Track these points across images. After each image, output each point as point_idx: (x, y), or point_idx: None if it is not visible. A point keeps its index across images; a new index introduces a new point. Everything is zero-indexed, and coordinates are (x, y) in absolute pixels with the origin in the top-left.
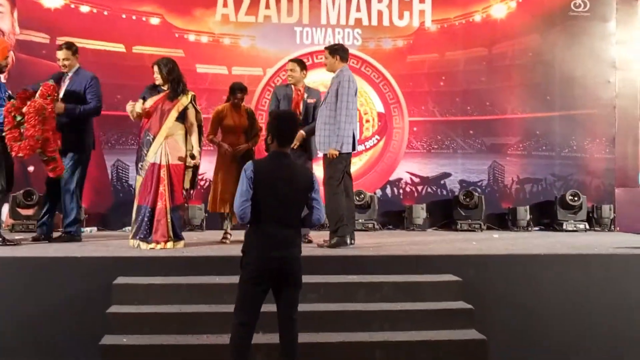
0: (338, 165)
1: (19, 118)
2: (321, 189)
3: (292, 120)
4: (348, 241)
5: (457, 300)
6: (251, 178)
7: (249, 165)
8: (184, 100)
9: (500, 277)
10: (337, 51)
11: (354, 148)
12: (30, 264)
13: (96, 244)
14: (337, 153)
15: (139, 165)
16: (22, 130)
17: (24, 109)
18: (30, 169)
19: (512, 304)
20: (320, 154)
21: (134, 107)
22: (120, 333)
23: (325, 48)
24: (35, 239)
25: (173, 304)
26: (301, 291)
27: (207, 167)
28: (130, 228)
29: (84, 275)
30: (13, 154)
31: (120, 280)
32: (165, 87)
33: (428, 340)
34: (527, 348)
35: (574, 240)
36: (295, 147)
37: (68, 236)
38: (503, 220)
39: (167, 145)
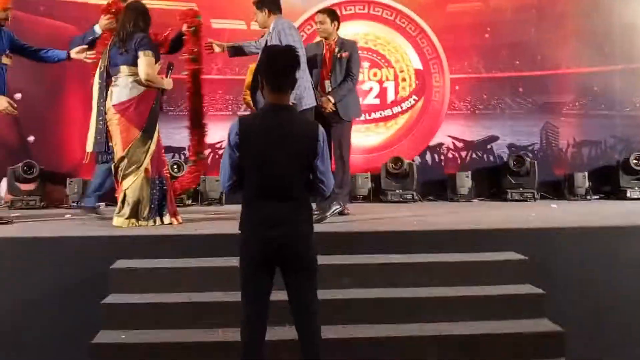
0: None
1: None
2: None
3: (285, 56)
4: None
5: (523, 283)
6: (236, 143)
7: (233, 126)
8: None
9: (573, 254)
10: (264, 3)
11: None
12: (17, 245)
13: (99, 222)
14: None
15: (152, 131)
16: None
17: None
18: (31, 138)
19: (589, 286)
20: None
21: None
22: (118, 328)
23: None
24: None
25: (182, 291)
26: (333, 275)
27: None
28: (139, 210)
29: (78, 259)
30: None
31: (120, 264)
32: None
33: (491, 333)
34: (610, 338)
35: None
36: (326, 113)
37: None
38: (558, 189)
39: None
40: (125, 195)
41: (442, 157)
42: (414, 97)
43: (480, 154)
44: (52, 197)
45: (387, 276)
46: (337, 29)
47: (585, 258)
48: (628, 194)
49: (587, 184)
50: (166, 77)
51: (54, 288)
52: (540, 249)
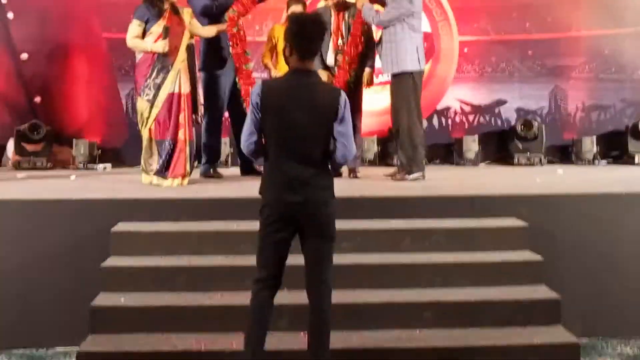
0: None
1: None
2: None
3: (317, 24)
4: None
5: (522, 249)
6: (257, 104)
7: (255, 88)
8: (187, 17)
9: (574, 221)
10: None
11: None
12: (19, 207)
13: (104, 182)
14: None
15: (150, 95)
16: None
17: None
18: (37, 99)
19: (589, 254)
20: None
21: (166, 44)
22: (118, 290)
23: None
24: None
25: (182, 254)
26: None
27: None
28: (143, 164)
29: (79, 221)
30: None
31: (121, 226)
32: (165, 5)
33: (488, 299)
34: (607, 306)
35: None
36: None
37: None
38: (566, 153)
39: (182, 72)
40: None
41: (450, 121)
42: None
43: (487, 118)
44: (58, 158)
45: (386, 242)
46: None
47: (586, 225)
48: (636, 160)
49: (595, 148)
50: (163, 39)
51: (55, 250)
52: (541, 215)
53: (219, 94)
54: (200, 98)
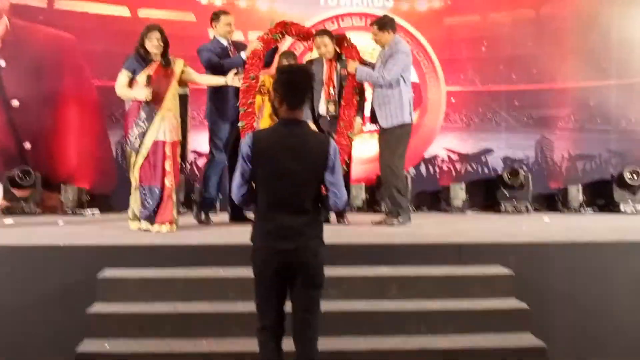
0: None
1: None
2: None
3: (305, 75)
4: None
5: (508, 297)
6: (248, 155)
7: (246, 139)
8: (178, 67)
9: (560, 269)
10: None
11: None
12: (5, 253)
13: (92, 228)
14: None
15: (136, 143)
16: None
17: None
18: (27, 145)
19: (575, 302)
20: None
21: (148, 93)
22: (103, 337)
23: (373, 24)
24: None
25: (168, 301)
26: None
27: None
28: (131, 211)
29: (65, 267)
30: None
31: (107, 273)
32: (153, 56)
33: (474, 347)
34: (593, 355)
35: (636, 224)
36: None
37: None
38: (552, 202)
39: (168, 120)
40: None
41: (437, 169)
42: None
43: (474, 166)
44: (48, 204)
45: (373, 289)
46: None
47: (572, 273)
48: (622, 208)
49: (581, 197)
50: (146, 87)
51: (41, 296)
52: (527, 263)
53: (221, 144)
54: (191, 146)
